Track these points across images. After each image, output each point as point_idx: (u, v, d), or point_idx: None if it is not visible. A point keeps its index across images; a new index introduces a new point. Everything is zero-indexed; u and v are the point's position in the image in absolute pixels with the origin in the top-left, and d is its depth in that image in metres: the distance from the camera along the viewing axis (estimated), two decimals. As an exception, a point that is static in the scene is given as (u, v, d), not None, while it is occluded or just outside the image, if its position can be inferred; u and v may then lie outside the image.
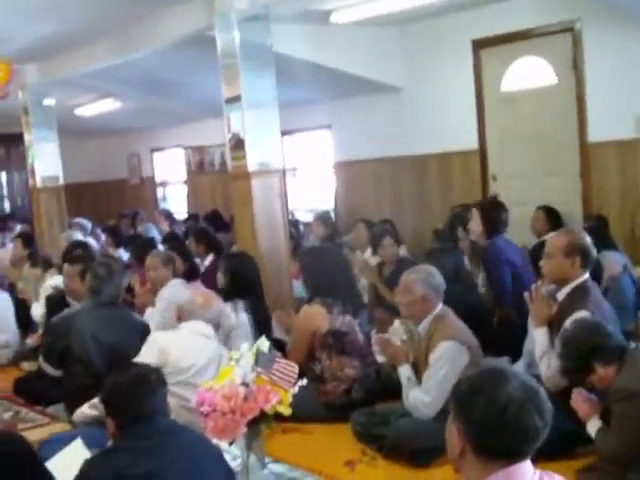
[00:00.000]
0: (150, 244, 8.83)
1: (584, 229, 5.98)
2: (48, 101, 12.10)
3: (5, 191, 17.82)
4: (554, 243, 4.98)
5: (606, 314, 4.69)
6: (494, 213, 7.02)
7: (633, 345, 4.24)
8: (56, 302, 7.51)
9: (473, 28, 8.98)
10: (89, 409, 5.21)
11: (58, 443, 4.67)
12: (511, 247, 6.90)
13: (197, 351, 5.24)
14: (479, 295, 6.56)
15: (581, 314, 4.59)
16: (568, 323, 4.52)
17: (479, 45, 9.04)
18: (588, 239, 4.94)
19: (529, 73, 8.69)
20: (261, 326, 6.31)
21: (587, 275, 4.91)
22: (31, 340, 8.11)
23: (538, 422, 2.30)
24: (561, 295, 4.91)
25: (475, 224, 7.01)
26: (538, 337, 4.90)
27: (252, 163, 7.66)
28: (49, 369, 5.96)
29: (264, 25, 7.68)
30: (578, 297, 4.80)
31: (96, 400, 4.77)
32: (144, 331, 5.81)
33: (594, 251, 4.95)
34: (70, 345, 5.55)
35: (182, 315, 5.53)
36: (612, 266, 6.20)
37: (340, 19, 8.63)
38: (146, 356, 5.02)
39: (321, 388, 5.79)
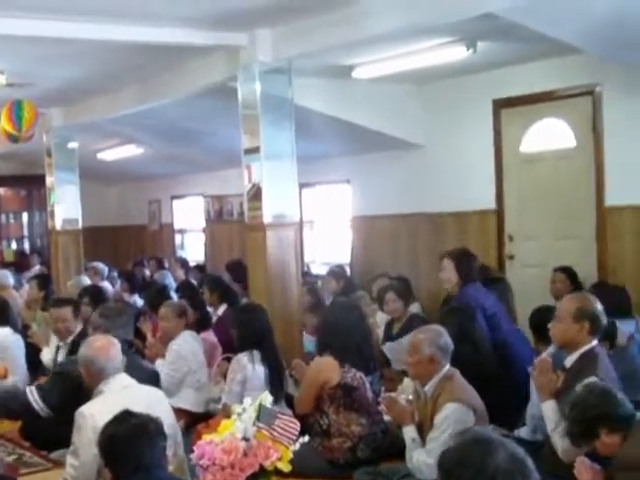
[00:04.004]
0: (162, 292, 8.85)
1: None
2: (71, 144, 12.25)
3: (26, 231, 17.96)
4: (565, 307, 4.94)
5: (615, 382, 4.63)
6: (468, 262, 7.00)
7: (640, 415, 4.18)
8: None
9: (494, 88, 9.03)
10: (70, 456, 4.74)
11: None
12: (481, 292, 6.89)
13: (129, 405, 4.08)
14: (491, 357, 6.49)
15: (590, 380, 4.53)
16: (578, 387, 4.47)
17: (499, 105, 9.08)
18: (599, 306, 4.90)
19: (549, 135, 8.72)
20: (274, 378, 6.28)
21: (596, 341, 4.87)
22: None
23: None
24: (569, 361, 4.86)
25: (449, 274, 6.95)
26: (547, 411, 4.80)
27: (268, 215, 7.68)
28: (40, 407, 5.86)
29: (286, 78, 7.75)
30: (587, 363, 4.74)
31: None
32: (154, 379, 5.79)
33: (604, 318, 4.91)
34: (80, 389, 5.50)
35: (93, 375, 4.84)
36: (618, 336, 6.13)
37: (362, 75, 8.70)
38: (82, 443, 4.46)
39: (326, 443, 5.71)
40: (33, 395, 5.87)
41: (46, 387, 5.94)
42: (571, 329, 4.84)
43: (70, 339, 7.04)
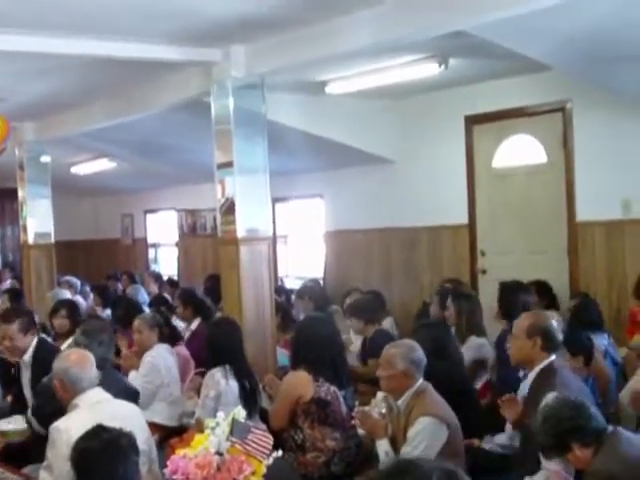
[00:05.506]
0: (133, 307, 8.81)
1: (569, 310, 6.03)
2: (44, 158, 12.17)
3: (-2, 245, 17.91)
4: (519, 324, 5.11)
5: (577, 393, 4.65)
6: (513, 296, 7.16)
7: (611, 428, 4.20)
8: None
9: (466, 104, 9.11)
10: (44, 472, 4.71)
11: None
12: None
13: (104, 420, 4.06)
14: (464, 373, 6.52)
15: (551, 396, 4.56)
16: (549, 399, 4.49)
17: (471, 121, 9.16)
18: (553, 322, 5.07)
19: (520, 150, 8.80)
20: (248, 393, 6.26)
21: (553, 357, 4.98)
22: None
23: None
24: (529, 379, 4.96)
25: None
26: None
27: (241, 229, 7.69)
28: (38, 427, 5.84)
29: (259, 93, 7.76)
30: (544, 379, 4.86)
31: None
32: (134, 396, 5.76)
33: (559, 334, 5.02)
34: (61, 407, 5.44)
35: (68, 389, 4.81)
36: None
37: (335, 90, 8.76)
38: (56, 459, 4.45)
39: (300, 458, 5.71)
40: (34, 423, 5.86)
41: (38, 414, 5.87)
42: (525, 345, 4.98)
43: (27, 356, 6.60)
